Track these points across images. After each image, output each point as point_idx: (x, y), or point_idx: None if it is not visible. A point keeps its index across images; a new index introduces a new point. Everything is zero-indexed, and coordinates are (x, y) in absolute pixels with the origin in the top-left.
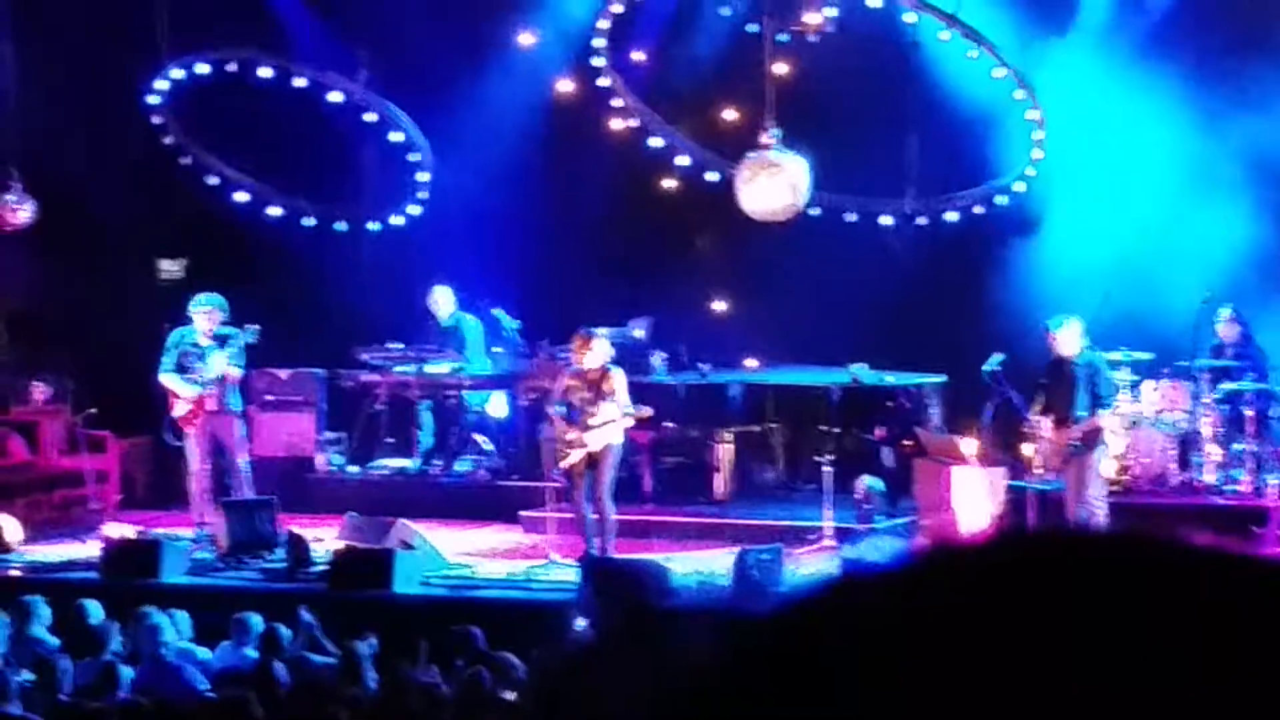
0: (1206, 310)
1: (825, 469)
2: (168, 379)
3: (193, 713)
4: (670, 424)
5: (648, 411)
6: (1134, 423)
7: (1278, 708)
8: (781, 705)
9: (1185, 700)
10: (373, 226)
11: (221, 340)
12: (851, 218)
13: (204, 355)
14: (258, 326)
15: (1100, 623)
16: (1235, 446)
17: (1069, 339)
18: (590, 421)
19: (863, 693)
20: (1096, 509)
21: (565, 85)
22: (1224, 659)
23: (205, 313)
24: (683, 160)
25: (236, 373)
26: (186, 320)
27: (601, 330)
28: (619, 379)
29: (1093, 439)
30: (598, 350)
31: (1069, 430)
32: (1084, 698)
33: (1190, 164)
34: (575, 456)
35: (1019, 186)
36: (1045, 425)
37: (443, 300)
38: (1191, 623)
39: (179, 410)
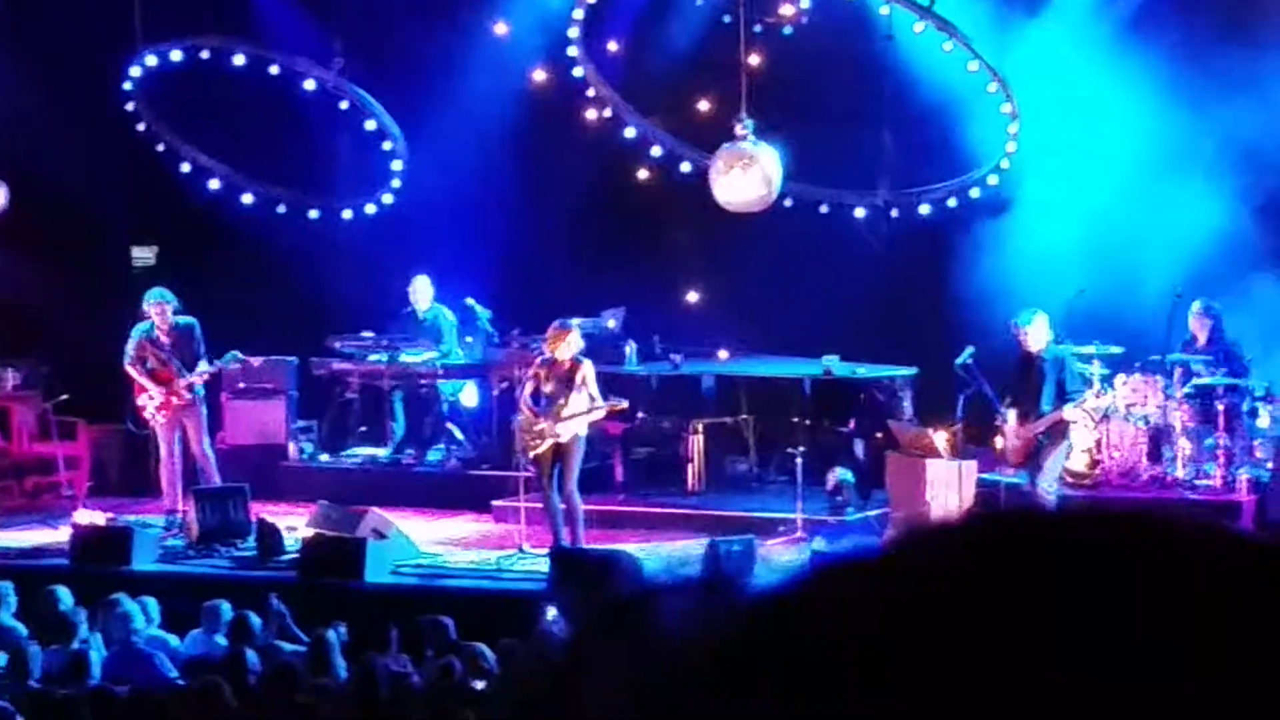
0: (1179, 304)
1: (797, 461)
2: (132, 371)
3: (164, 700)
4: (642, 415)
5: (623, 404)
6: (1105, 416)
7: (1274, 698)
8: (769, 692)
9: (1174, 687)
10: (346, 215)
11: (185, 334)
12: (825, 209)
13: (168, 353)
14: (238, 353)
15: (1083, 604)
16: (1207, 441)
17: (1037, 333)
18: (562, 413)
19: (850, 680)
20: (1047, 501)
21: (540, 75)
22: (1217, 642)
23: (156, 308)
24: (656, 151)
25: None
26: (144, 315)
27: (575, 321)
28: (589, 371)
29: (1058, 433)
30: (571, 342)
31: (1034, 424)
32: (1069, 683)
33: (1166, 151)
34: (543, 447)
35: (992, 180)
36: (1010, 419)
37: (423, 290)
38: (1182, 606)
39: (143, 401)
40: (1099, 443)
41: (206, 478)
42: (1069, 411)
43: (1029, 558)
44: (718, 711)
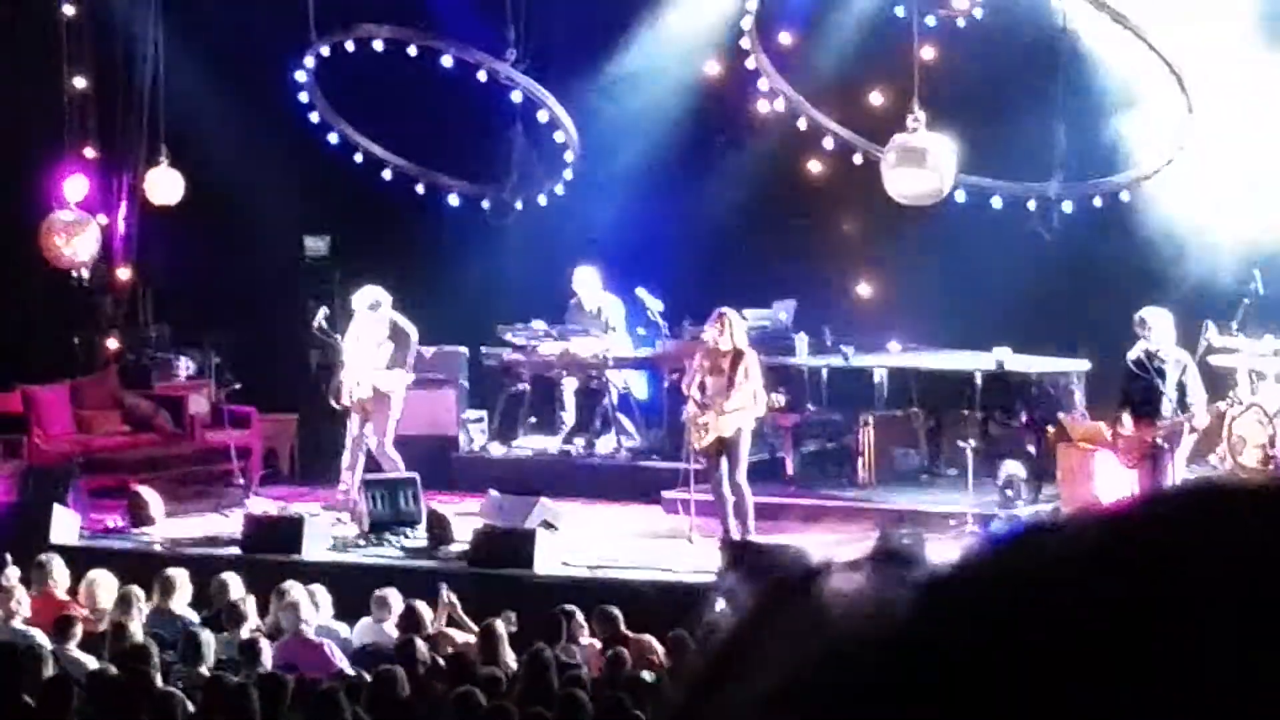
0: None
1: (968, 454)
2: (348, 346)
3: (334, 688)
4: (812, 407)
5: (780, 402)
6: (1279, 411)
7: None
8: (942, 671)
9: None
10: (517, 205)
11: (400, 337)
12: (997, 202)
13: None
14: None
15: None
16: None
17: (1161, 332)
18: (724, 405)
19: (1030, 658)
20: None
21: (713, 67)
22: None
23: (369, 312)
24: (828, 143)
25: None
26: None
27: (748, 312)
28: (752, 361)
29: (1176, 439)
30: (731, 331)
31: (1152, 428)
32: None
33: None
34: (708, 439)
35: (1165, 172)
36: (1126, 420)
37: (588, 280)
38: None
39: (344, 378)
40: (1271, 439)
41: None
42: (1196, 418)
43: (1215, 529)
44: (890, 692)
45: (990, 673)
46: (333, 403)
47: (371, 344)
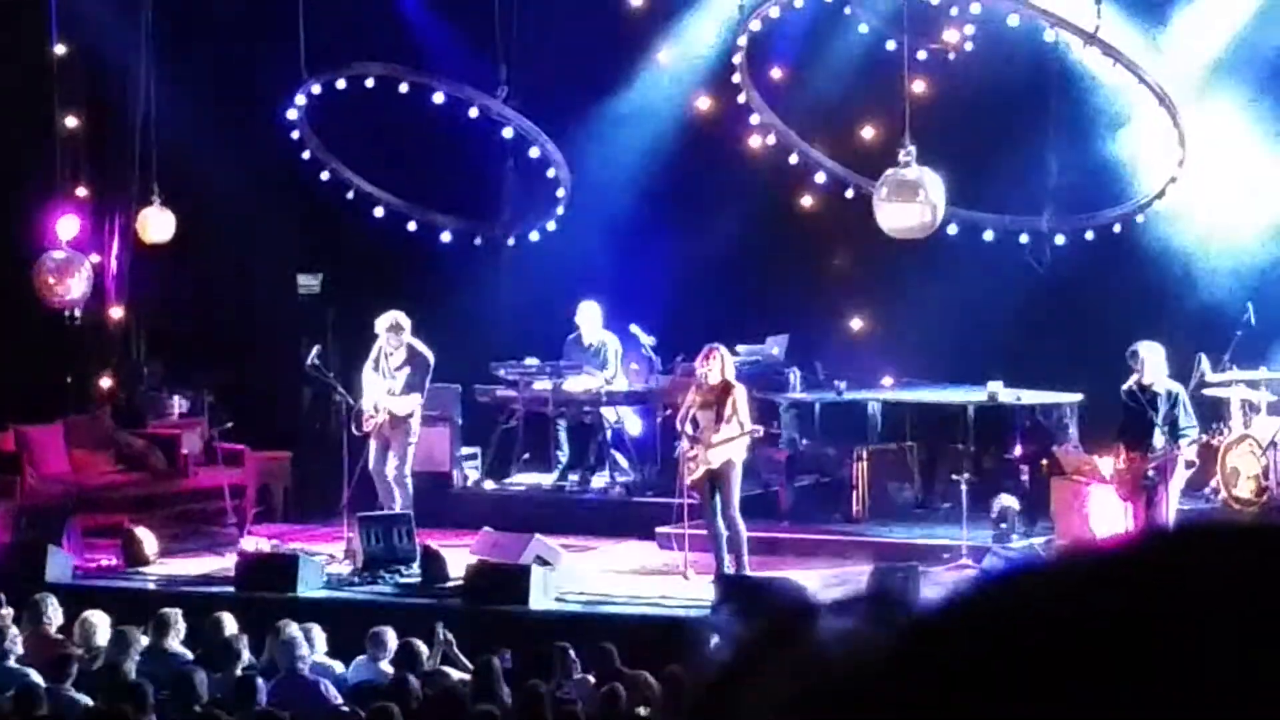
0: None
1: (962, 487)
2: (366, 373)
3: None
4: (806, 442)
5: (759, 431)
6: (1272, 443)
7: None
8: (930, 706)
9: None
10: (509, 242)
11: (416, 363)
12: (989, 236)
13: (390, 374)
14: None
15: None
16: None
17: (1152, 364)
18: (712, 439)
19: (1012, 693)
20: None
21: (703, 102)
22: None
23: (388, 336)
24: (820, 177)
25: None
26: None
27: (741, 347)
28: (739, 395)
29: (1169, 470)
30: (720, 365)
31: (1144, 460)
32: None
33: None
34: (698, 473)
35: (1159, 205)
36: (1120, 453)
37: (590, 315)
38: None
39: (364, 406)
40: (1265, 470)
41: (387, 503)
42: (1186, 450)
43: (1203, 567)
44: (892, 697)
45: (992, 674)
46: (355, 431)
47: (389, 369)
